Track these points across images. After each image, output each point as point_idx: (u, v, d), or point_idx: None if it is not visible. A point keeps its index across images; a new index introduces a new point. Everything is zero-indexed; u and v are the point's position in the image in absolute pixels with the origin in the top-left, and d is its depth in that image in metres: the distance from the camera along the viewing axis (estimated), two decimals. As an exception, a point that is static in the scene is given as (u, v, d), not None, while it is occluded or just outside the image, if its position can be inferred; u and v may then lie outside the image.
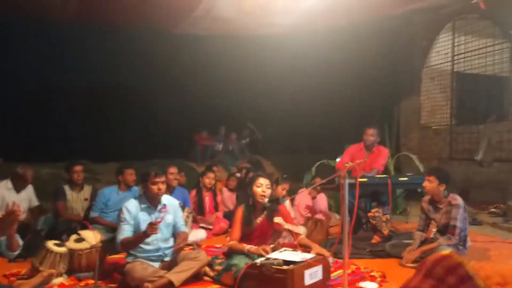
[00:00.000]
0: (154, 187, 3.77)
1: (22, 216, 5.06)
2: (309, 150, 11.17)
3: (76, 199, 5.35)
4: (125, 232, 3.68)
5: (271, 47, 9.83)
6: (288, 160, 10.81)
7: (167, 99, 11.69)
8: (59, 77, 10.85)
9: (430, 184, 4.36)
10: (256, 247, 3.74)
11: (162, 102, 11.62)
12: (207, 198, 6.33)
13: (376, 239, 5.15)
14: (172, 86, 11.90)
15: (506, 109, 8.38)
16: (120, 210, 3.81)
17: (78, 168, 5.35)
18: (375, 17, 8.29)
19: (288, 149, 11.94)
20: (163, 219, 3.66)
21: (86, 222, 5.00)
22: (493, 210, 7.17)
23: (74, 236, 3.99)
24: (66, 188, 5.33)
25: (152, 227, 3.45)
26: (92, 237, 3.91)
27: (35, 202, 5.29)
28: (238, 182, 6.93)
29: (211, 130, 11.40)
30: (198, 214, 6.06)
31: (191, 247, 4.89)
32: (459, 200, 4.31)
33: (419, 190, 4.98)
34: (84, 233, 4.01)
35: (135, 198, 3.92)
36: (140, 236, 3.59)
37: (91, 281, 3.73)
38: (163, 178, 3.83)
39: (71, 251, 3.83)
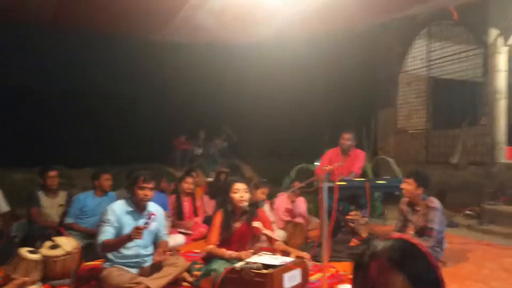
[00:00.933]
0: (141, 192, 3.69)
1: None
2: (289, 155, 11.22)
3: (51, 205, 5.22)
4: (108, 234, 3.58)
5: (251, 55, 9.86)
6: (268, 165, 10.83)
7: (147, 104, 11.61)
8: (34, 81, 10.65)
9: (408, 186, 4.41)
10: (236, 252, 3.72)
11: (141, 107, 11.53)
12: (186, 203, 6.26)
13: (354, 242, 5.18)
14: (151, 91, 11.84)
15: (479, 113, 8.57)
16: (104, 211, 3.72)
17: (52, 173, 5.22)
18: (352, 27, 8.41)
19: (268, 154, 11.98)
20: (149, 225, 3.57)
21: (61, 228, 4.90)
22: (468, 212, 7.29)
23: (48, 243, 3.89)
24: (41, 193, 5.19)
25: (138, 231, 3.37)
26: (67, 243, 3.83)
27: (4, 208, 5.06)
28: (211, 188, 6.90)
29: (191, 135, 11.34)
30: (177, 219, 5.99)
31: (170, 252, 4.83)
32: (436, 203, 4.38)
33: (396, 193, 5.04)
34: (59, 240, 3.92)
35: (121, 200, 3.84)
36: (123, 240, 3.51)
37: (66, 289, 3.65)
38: (151, 185, 3.75)
39: (46, 258, 3.74)
